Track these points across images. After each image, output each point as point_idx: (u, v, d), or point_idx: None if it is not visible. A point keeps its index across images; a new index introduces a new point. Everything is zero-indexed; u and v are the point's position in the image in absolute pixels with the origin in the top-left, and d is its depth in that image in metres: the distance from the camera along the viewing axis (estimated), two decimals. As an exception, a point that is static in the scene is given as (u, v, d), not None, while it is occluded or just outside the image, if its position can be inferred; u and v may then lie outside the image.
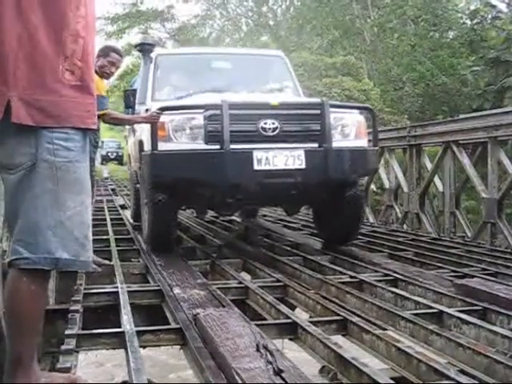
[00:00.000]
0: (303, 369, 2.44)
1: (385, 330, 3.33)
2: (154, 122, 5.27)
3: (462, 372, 2.58)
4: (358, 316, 3.55)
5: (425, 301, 3.93)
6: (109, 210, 10.02)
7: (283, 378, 2.20)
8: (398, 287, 4.43)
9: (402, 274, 4.70)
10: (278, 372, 2.25)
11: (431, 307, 3.71)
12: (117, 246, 6.20)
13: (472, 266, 5.22)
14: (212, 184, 5.21)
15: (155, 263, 5.12)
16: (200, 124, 5.25)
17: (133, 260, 5.79)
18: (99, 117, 5.15)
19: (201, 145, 5.21)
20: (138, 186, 7.18)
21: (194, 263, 5.29)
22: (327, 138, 5.31)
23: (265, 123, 5.25)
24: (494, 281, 4.45)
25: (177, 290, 4.01)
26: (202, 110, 5.29)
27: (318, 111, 5.44)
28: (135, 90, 6.31)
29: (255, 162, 5.10)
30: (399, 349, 2.89)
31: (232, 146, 5.05)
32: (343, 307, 3.79)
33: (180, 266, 5.00)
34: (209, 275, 5.10)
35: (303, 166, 5.23)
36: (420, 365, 2.68)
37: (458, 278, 4.54)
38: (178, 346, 3.15)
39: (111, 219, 8.59)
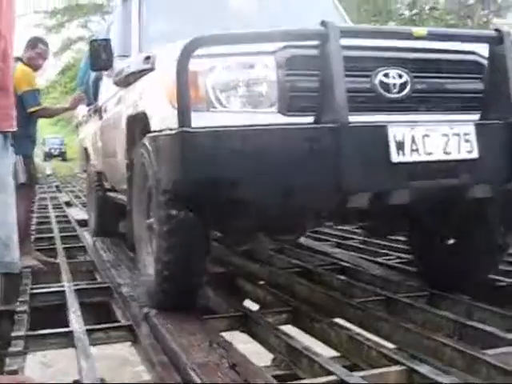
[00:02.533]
0: (255, 361, 2.46)
1: (334, 317, 3.37)
2: (75, 107, 4.92)
3: (412, 356, 2.62)
4: (308, 305, 3.58)
5: (372, 288, 3.99)
6: (53, 208, 9.87)
7: (237, 372, 2.21)
8: (345, 275, 4.47)
9: (348, 262, 4.76)
10: (232, 366, 2.26)
11: (379, 294, 3.77)
12: (62, 243, 6.11)
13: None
14: (304, 193, 2.78)
15: (103, 260, 5.07)
16: (270, 75, 2.82)
17: (79, 257, 5.72)
18: (33, 112, 5.08)
19: (274, 115, 2.80)
20: (100, 192, 6.19)
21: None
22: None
23: (385, 75, 2.92)
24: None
25: (126, 288, 3.98)
26: (272, 48, 2.84)
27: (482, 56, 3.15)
28: (107, 41, 4.36)
29: (393, 147, 2.77)
30: (349, 336, 2.93)
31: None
32: (293, 296, 3.81)
33: (128, 263, 4.95)
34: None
35: (475, 155, 2.90)
36: (370, 351, 2.72)
37: (403, 264, 4.65)
38: (129, 343, 3.15)
39: (56, 216, 8.47)
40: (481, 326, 3.05)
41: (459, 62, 3.18)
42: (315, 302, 3.75)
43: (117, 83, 4.32)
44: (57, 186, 16.64)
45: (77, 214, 9.04)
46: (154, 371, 2.58)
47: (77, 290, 4.03)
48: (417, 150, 2.80)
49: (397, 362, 2.52)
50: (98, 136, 5.77)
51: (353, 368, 2.62)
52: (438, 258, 3.91)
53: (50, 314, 3.80)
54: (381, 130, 2.78)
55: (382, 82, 2.90)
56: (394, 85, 2.91)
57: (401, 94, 2.92)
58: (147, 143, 3.20)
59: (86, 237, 6.53)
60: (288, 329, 3.26)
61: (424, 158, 2.82)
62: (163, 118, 3.03)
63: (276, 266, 4.76)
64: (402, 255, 5.11)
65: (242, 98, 2.81)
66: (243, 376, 2.17)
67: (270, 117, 2.78)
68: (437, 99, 3.07)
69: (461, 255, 3.76)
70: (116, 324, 3.35)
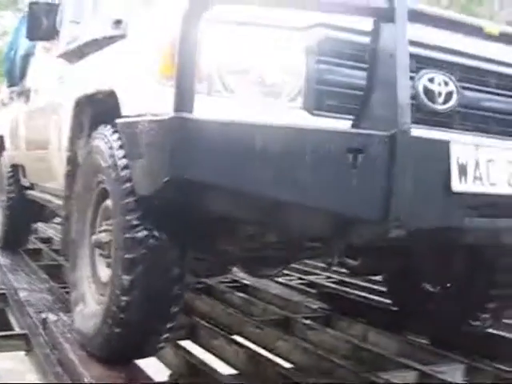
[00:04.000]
0: (155, 376, 2.45)
1: (233, 335, 3.39)
2: None
3: (308, 376, 2.67)
4: (207, 321, 3.58)
5: (272, 307, 4.03)
6: None
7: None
8: (246, 293, 4.50)
9: (249, 280, 4.79)
10: (129, 382, 2.24)
11: (278, 313, 3.81)
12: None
13: (317, 274, 5.41)
14: (334, 221, 2.16)
15: (-1, 264, 4.91)
16: (297, 60, 2.15)
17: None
18: None
19: (296, 112, 2.14)
20: (14, 190, 5.42)
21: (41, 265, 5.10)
22: None
23: (430, 80, 2.31)
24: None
25: (23, 294, 3.86)
26: (303, 24, 2.18)
27: None
28: (52, 5, 3.66)
29: (455, 171, 2.18)
30: (247, 354, 2.95)
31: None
32: (192, 312, 3.80)
33: (27, 269, 4.81)
34: (56, 278, 4.93)
35: None
36: (268, 370, 2.74)
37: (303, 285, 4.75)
38: (24, 352, 3.06)
39: None
40: (375, 348, 3.13)
41: (510, 77, 2.58)
42: (215, 319, 3.76)
43: (64, 56, 3.43)
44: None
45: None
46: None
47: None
48: (480, 179, 2.23)
49: (293, 382, 2.56)
50: (22, 122, 4.92)
51: (250, 386, 2.64)
52: (420, 302, 3.55)
53: None
54: (443, 147, 2.17)
55: (426, 88, 2.29)
56: (440, 93, 2.31)
57: (445, 106, 2.33)
58: (111, 132, 2.48)
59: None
60: (187, 344, 3.25)
61: (487, 189, 2.24)
62: (145, 100, 2.28)
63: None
64: (303, 276, 5.21)
65: (255, 83, 2.10)
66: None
67: (291, 113, 2.12)
68: (483, 118, 2.48)
69: (449, 302, 3.40)
70: (10, 332, 3.25)
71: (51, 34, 3.68)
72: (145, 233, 2.22)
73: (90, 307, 2.63)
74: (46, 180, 4.26)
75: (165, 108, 1.96)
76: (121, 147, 2.35)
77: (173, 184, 1.96)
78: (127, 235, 2.23)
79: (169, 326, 2.42)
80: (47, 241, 6.77)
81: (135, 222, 2.23)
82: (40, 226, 7.37)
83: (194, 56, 1.88)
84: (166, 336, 2.46)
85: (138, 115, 2.22)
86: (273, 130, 1.95)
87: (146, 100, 2.25)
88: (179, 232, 2.30)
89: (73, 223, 2.88)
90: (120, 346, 2.42)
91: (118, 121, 2.37)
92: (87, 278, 2.73)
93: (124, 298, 2.26)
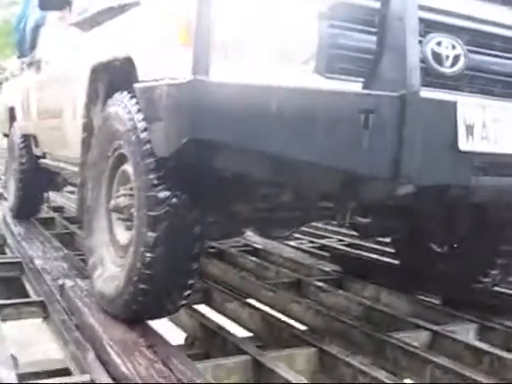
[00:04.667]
0: (171, 340, 2.49)
1: (246, 298, 3.44)
2: None
3: (322, 338, 2.71)
4: (221, 286, 3.63)
5: (284, 270, 4.07)
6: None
7: (154, 351, 2.23)
8: (258, 257, 4.55)
9: (261, 245, 4.83)
10: (150, 345, 2.28)
11: (291, 276, 3.86)
12: (-32, 216, 5.93)
13: (329, 237, 5.45)
14: (349, 180, 2.24)
15: (13, 234, 4.96)
16: (309, 24, 2.18)
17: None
18: None
19: (308, 75, 2.19)
20: (27, 160, 5.43)
21: (55, 233, 5.16)
22: None
23: (438, 43, 2.35)
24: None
25: (38, 261, 3.91)
26: None
27: None
28: None
29: (462, 131, 2.24)
30: (261, 317, 2.99)
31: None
32: (206, 277, 3.85)
33: (41, 237, 4.86)
34: (69, 246, 4.99)
35: None
36: (282, 332, 2.79)
37: (314, 249, 4.79)
38: (41, 319, 3.11)
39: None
40: (387, 309, 3.17)
41: None
42: (228, 283, 3.81)
43: (78, 25, 3.48)
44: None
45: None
46: (67, 349, 2.56)
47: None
48: (487, 138, 2.30)
49: (307, 343, 2.60)
50: (34, 93, 4.92)
51: (265, 348, 2.68)
52: (429, 263, 3.63)
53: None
54: (450, 108, 2.23)
55: (433, 52, 2.33)
56: (447, 56, 2.36)
57: (453, 69, 2.37)
58: (128, 98, 2.51)
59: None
60: (201, 308, 3.30)
61: (494, 148, 2.31)
62: (162, 65, 2.29)
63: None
64: (314, 240, 5.25)
65: (268, 48, 2.15)
66: (160, 355, 2.19)
67: (304, 76, 2.17)
68: (489, 80, 2.52)
69: (458, 261, 3.48)
70: (27, 299, 3.30)
71: (64, 3, 3.70)
72: (166, 192, 2.29)
73: (109, 270, 2.69)
74: (59, 148, 4.28)
75: (182, 72, 1.99)
76: (139, 111, 2.38)
77: (191, 145, 2.01)
78: (150, 193, 2.30)
79: (190, 282, 2.49)
80: (59, 209, 6.82)
81: (156, 182, 2.29)
82: (52, 194, 7.42)
83: (210, 22, 1.93)
84: (187, 293, 2.52)
85: (156, 80, 2.24)
86: (287, 91, 2.00)
87: (164, 65, 2.26)
88: (198, 192, 2.37)
89: (88, 190, 2.92)
90: (143, 303, 2.46)
91: (137, 85, 2.39)
92: (105, 242, 2.78)
93: (149, 255, 2.33)
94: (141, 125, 2.35)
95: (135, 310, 2.50)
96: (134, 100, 2.44)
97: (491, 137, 2.29)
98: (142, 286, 2.39)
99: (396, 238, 3.98)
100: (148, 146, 2.30)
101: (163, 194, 2.28)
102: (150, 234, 2.30)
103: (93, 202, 2.87)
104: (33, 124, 5.08)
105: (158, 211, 2.28)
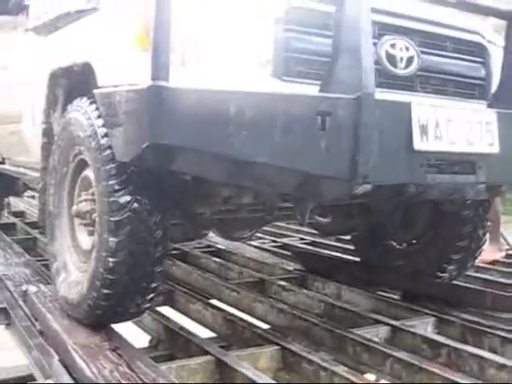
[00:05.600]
0: (135, 343, 2.51)
1: (210, 299, 3.47)
2: None
3: (285, 336, 2.75)
4: (184, 287, 3.65)
5: (247, 270, 4.11)
6: None
7: (119, 354, 2.25)
8: (221, 258, 4.57)
9: (224, 245, 4.86)
10: (114, 348, 2.29)
11: (253, 276, 3.90)
12: None
13: (290, 236, 5.51)
14: (309, 180, 2.24)
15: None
16: (266, 29, 2.26)
17: None
18: None
19: (267, 79, 2.25)
20: None
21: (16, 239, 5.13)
22: None
23: (392, 46, 2.43)
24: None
25: (0, 268, 3.89)
26: None
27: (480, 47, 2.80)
28: None
29: (416, 131, 2.31)
30: (224, 317, 3.02)
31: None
32: (169, 279, 3.86)
33: (1, 243, 4.82)
34: (31, 252, 4.96)
35: (496, 150, 2.53)
36: (245, 331, 2.82)
37: (277, 248, 4.85)
38: (3, 326, 3.09)
39: None
40: (348, 306, 3.23)
41: (464, 42, 2.73)
42: (191, 284, 3.83)
43: (35, 30, 3.45)
44: None
45: None
46: (31, 355, 2.56)
47: None
48: (440, 138, 2.37)
49: (270, 342, 2.64)
50: None
51: (228, 348, 2.72)
52: (389, 259, 3.74)
53: None
54: (405, 109, 2.30)
55: (388, 54, 2.41)
56: (401, 58, 2.44)
57: (407, 70, 2.46)
58: (88, 104, 2.52)
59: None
60: (165, 310, 3.32)
61: (447, 147, 2.39)
62: (121, 70, 2.31)
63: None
64: (276, 239, 5.29)
65: (225, 52, 2.20)
66: (124, 358, 2.21)
67: (261, 80, 2.22)
68: (441, 81, 2.62)
69: (416, 256, 3.60)
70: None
71: (20, 8, 3.68)
72: (128, 197, 2.31)
73: (73, 275, 2.70)
74: (19, 154, 4.23)
75: (141, 78, 2.02)
76: (99, 117, 2.39)
77: (152, 149, 2.03)
78: (111, 199, 2.31)
79: (153, 285, 2.51)
80: (20, 215, 6.77)
81: (117, 187, 2.30)
82: (12, 200, 7.35)
83: (169, 27, 1.95)
84: (151, 296, 2.55)
85: (115, 85, 2.25)
86: (245, 95, 2.05)
87: (123, 70, 2.29)
88: (159, 196, 2.40)
89: (49, 196, 2.91)
90: (107, 308, 2.48)
91: (96, 91, 2.39)
92: (68, 247, 2.79)
93: (111, 260, 2.34)
94: (100, 130, 2.36)
95: (99, 315, 2.51)
96: (94, 106, 2.45)
97: (444, 136, 2.37)
98: (105, 290, 2.40)
99: (355, 235, 4.05)
100: (108, 151, 2.31)
101: (124, 200, 2.30)
102: (112, 239, 2.32)
103: (55, 207, 2.87)
104: None
105: (120, 216, 2.30)
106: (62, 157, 2.78)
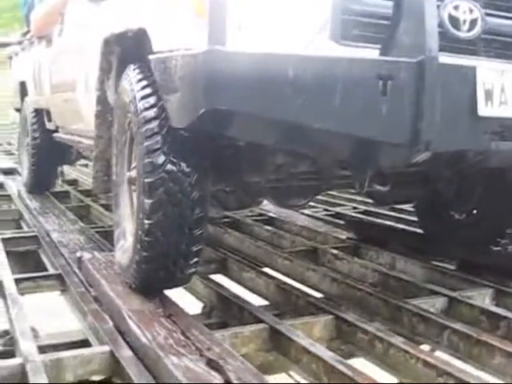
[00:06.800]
0: (188, 309, 2.51)
1: (263, 267, 3.45)
2: None
3: (338, 305, 2.72)
4: (237, 255, 3.64)
5: (300, 238, 4.08)
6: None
7: (173, 321, 2.25)
8: (273, 226, 4.55)
9: (276, 214, 4.84)
10: (168, 315, 2.30)
11: (306, 245, 3.87)
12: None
13: (343, 205, 5.45)
14: (368, 145, 2.20)
15: (29, 208, 4.99)
16: None
17: (4, 206, 5.60)
18: None
19: (324, 43, 2.15)
20: (39, 135, 5.46)
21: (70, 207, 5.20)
22: None
23: (455, 7, 2.27)
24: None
25: (54, 235, 3.94)
26: None
27: None
28: None
29: (481, 96, 2.21)
30: (277, 286, 3.00)
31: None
32: (221, 247, 3.86)
33: (56, 211, 4.89)
34: (84, 219, 5.02)
35: None
36: (298, 300, 2.80)
37: (329, 216, 4.80)
38: (58, 292, 3.14)
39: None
40: (403, 276, 3.17)
41: None
42: (244, 252, 3.82)
43: None
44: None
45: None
46: (86, 321, 2.58)
47: (3, 240, 3.96)
48: (506, 103, 2.26)
49: (324, 311, 2.61)
50: (45, 66, 4.88)
51: (282, 316, 2.70)
52: (449, 229, 3.66)
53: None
54: (470, 73, 2.20)
55: (451, 16, 2.26)
56: (465, 21, 2.29)
57: (470, 33, 2.30)
58: (132, 68, 2.54)
59: (11, 185, 6.36)
60: (218, 278, 3.32)
61: None
62: (177, 36, 2.26)
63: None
64: (329, 208, 5.25)
65: (282, 16, 2.12)
66: (179, 325, 2.21)
67: (319, 44, 2.14)
68: (506, 44, 2.44)
69: (476, 225, 3.54)
70: (45, 273, 3.33)
71: None
72: (163, 158, 2.30)
73: (128, 242, 2.72)
74: (73, 122, 4.26)
75: (198, 42, 2.00)
76: (139, 81, 2.43)
77: (208, 115, 2.00)
78: (146, 160, 2.32)
79: (195, 249, 2.48)
80: (73, 183, 6.85)
81: (152, 148, 2.31)
82: (65, 168, 7.44)
83: None
84: (195, 261, 2.52)
85: (171, 51, 2.22)
86: (303, 59, 2.02)
87: (179, 35, 2.24)
88: (196, 158, 2.37)
89: (112, 165, 2.94)
90: (150, 271, 2.49)
91: (151, 57, 2.37)
92: (127, 215, 2.81)
93: (147, 222, 2.36)
94: (139, 94, 2.39)
95: (143, 278, 2.53)
96: (137, 71, 2.47)
97: (510, 102, 2.26)
98: (144, 253, 2.42)
99: (419, 207, 3.98)
100: (144, 113, 2.33)
101: (158, 161, 2.30)
102: (147, 200, 2.33)
103: (117, 176, 2.89)
104: (45, 98, 5.06)
105: (154, 178, 2.31)
106: (120, 126, 2.79)
